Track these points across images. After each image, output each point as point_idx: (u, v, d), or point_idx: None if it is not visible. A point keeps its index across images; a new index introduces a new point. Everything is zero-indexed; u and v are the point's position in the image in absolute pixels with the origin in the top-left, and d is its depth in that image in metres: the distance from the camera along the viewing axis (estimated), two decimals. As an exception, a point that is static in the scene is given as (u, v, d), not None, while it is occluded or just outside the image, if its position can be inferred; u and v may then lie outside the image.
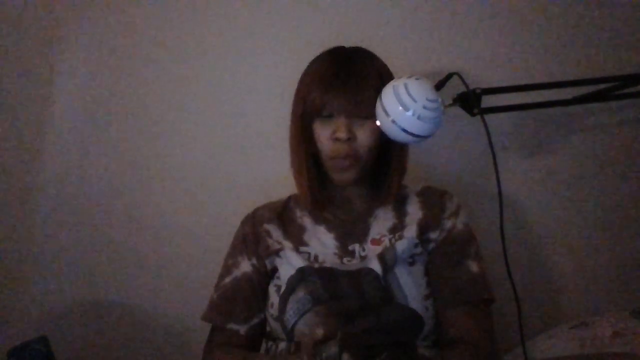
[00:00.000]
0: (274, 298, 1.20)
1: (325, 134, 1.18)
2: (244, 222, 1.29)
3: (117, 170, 1.52)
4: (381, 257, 1.16)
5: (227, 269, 1.26)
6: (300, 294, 1.15)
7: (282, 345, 1.17)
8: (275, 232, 1.25)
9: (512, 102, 1.32)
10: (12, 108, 1.51)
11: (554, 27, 1.50)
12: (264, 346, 1.24)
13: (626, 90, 1.30)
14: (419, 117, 1.08)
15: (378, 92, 1.13)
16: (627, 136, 1.51)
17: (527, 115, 1.48)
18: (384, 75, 1.20)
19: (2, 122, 1.50)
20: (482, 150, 1.17)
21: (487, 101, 1.19)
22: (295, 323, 1.14)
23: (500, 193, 1.06)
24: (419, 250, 1.19)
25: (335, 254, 1.21)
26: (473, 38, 1.50)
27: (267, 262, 1.23)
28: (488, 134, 1.07)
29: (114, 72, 1.52)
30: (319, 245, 1.22)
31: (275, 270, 1.22)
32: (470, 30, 1.50)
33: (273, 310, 1.19)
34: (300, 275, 1.16)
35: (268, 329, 1.24)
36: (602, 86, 1.29)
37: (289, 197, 1.32)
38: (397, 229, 1.22)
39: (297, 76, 1.25)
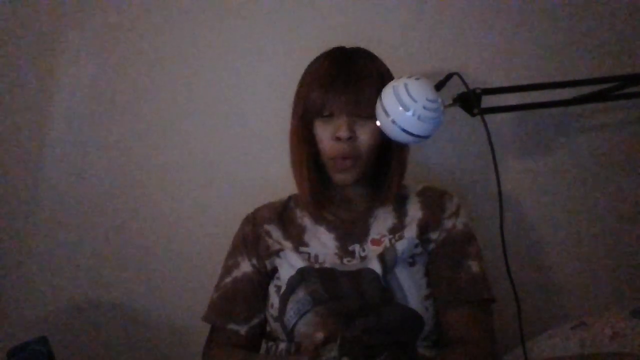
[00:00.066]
0: (274, 298, 1.20)
1: (326, 134, 1.18)
2: (244, 223, 1.29)
3: (117, 170, 1.52)
4: (381, 258, 1.16)
5: (227, 269, 1.26)
6: (300, 294, 1.15)
7: (282, 345, 1.17)
8: (275, 233, 1.25)
9: (512, 102, 1.32)
10: (12, 108, 1.51)
11: (554, 27, 1.50)
12: (264, 346, 1.24)
13: (626, 90, 1.30)
14: (419, 117, 1.08)
15: (379, 92, 1.12)
16: (627, 136, 1.50)
17: (527, 115, 1.48)
18: (385, 76, 1.20)
19: (2, 122, 1.50)
20: (482, 150, 1.17)
21: (487, 101, 1.18)
22: (296, 323, 1.14)
23: (500, 193, 1.06)
24: (419, 250, 1.19)
25: (335, 254, 1.21)
26: (473, 38, 1.49)
27: (267, 262, 1.23)
28: (488, 134, 1.07)
29: (114, 72, 1.52)
30: (319, 245, 1.22)
31: (275, 270, 1.22)
32: (471, 30, 1.49)
33: (273, 310, 1.19)
34: (301, 276, 1.16)
35: (268, 329, 1.24)
36: (602, 86, 1.29)
37: (289, 197, 1.32)
38: (397, 229, 1.22)
39: (298, 76, 1.25)
